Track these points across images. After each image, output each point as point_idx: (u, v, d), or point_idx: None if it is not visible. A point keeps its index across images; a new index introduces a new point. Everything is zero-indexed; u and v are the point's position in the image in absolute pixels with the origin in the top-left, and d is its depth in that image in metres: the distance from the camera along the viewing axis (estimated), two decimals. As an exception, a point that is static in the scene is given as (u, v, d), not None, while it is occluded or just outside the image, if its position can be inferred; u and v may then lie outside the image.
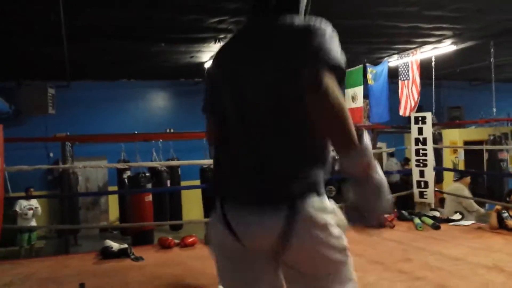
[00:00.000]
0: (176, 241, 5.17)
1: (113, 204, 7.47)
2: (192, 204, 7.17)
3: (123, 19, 5.95)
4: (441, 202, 7.36)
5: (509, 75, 11.27)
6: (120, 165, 6.78)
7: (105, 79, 9.60)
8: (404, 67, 8.12)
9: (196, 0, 5.34)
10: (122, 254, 4.65)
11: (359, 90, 8.19)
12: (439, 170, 7.34)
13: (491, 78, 8.72)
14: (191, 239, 5.18)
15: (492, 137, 9.38)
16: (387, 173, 8.29)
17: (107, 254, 4.65)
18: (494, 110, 8.81)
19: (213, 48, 7.59)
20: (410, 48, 8.20)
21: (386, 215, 3.22)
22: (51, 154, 7.97)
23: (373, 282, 3.62)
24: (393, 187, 7.60)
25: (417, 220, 5.80)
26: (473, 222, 5.97)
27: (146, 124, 9.45)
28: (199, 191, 7.20)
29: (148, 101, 10.42)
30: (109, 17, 5.82)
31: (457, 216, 6.14)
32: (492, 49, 7.98)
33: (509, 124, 10.38)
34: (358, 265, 4.12)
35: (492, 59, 8.18)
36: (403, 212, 6.39)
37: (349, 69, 8.37)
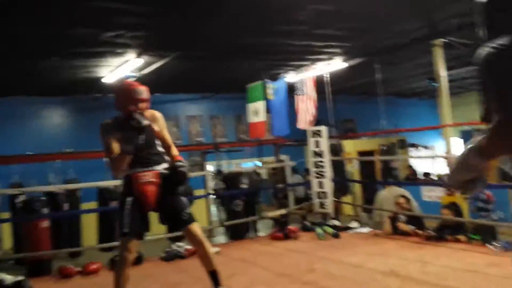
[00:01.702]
0: (78, 269, 4.91)
1: (6, 232, 6.86)
2: (92, 228, 6.82)
3: (16, 35, 5.57)
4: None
5: (395, 89, 12.30)
6: (12, 191, 6.30)
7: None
8: (300, 82, 8.49)
9: (92, 13, 5.15)
10: (17, 287, 4.31)
11: (260, 105, 8.41)
12: (343, 182, 7.74)
13: (378, 92, 9.43)
14: (94, 266, 4.95)
15: (383, 148, 10.15)
16: (292, 185, 8.60)
17: (-1, 289, 4.29)
18: (383, 122, 9.53)
19: (111, 62, 7.36)
20: (305, 65, 8.62)
21: None
22: None
23: (281, 296, 3.72)
24: (300, 201, 7.89)
25: (319, 230, 6.08)
26: (370, 229, 6.39)
27: (43, 143, 8.84)
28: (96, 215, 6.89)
29: (45, 119, 9.78)
30: (1, 32, 5.42)
31: (355, 224, 6.53)
32: (376, 66, 8.66)
33: (396, 135, 11.31)
34: (265, 279, 4.24)
35: (377, 75, 8.87)
36: (306, 222, 6.67)
37: (250, 85, 8.59)
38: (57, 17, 5.16)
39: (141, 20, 5.54)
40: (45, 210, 6.13)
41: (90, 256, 6.14)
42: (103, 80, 8.43)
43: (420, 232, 5.48)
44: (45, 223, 5.85)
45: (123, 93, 3.17)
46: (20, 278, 4.47)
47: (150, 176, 3.15)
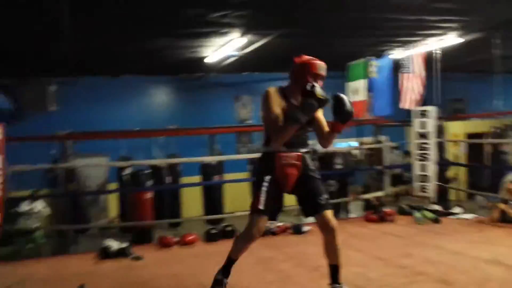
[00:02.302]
0: (176, 239, 5.17)
1: (113, 201, 7.45)
2: (192, 200, 7.15)
3: (125, 16, 5.92)
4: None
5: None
6: (120, 164, 6.78)
7: (108, 74, 9.59)
8: (407, 60, 8.05)
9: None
10: (121, 253, 4.65)
11: (362, 84, 8.13)
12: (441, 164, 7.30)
13: (495, 70, 8.62)
14: (191, 237, 5.18)
15: (495, 130, 9.32)
16: (390, 167, 8.27)
17: (106, 254, 4.65)
18: (498, 102, 8.73)
19: (214, 42, 7.55)
20: (415, 41, 8.12)
21: None
22: (53, 152, 7.96)
23: (374, 277, 3.61)
24: (397, 179, 7.59)
25: (417, 214, 5.78)
26: (475, 215, 5.95)
27: (148, 120, 9.42)
28: (199, 187, 7.20)
29: (151, 97, 10.41)
30: (111, 14, 5.78)
31: (458, 210, 6.12)
32: (495, 41, 7.89)
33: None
34: (359, 261, 4.14)
35: (495, 51, 8.09)
36: (403, 206, 6.38)
37: (351, 63, 8.33)
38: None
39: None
40: (149, 183, 6.57)
41: (189, 227, 6.46)
42: (205, 60, 8.71)
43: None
44: (149, 195, 6.26)
45: (304, 65, 3.03)
46: (124, 244, 4.79)
47: (294, 158, 3.03)
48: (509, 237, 4.70)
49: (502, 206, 5.36)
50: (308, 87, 2.88)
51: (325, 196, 3.07)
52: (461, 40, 7.76)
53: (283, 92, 3.05)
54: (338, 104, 2.95)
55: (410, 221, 5.77)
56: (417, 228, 5.47)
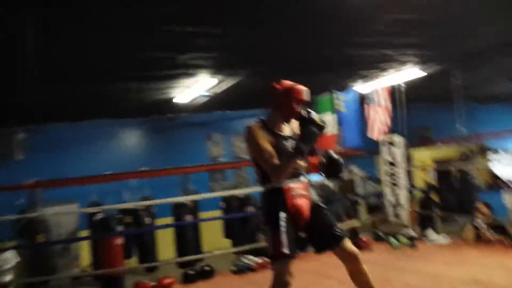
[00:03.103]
0: (152, 283, 5.04)
1: (84, 249, 7.21)
2: (167, 242, 7.00)
3: (93, 60, 5.93)
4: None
5: (474, 94, 11.62)
6: (90, 210, 6.60)
7: (76, 119, 9.47)
8: (372, 92, 8.30)
9: (168, 38, 5.36)
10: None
11: (329, 117, 8.31)
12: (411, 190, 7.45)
13: (455, 98, 8.96)
14: (168, 281, 5.06)
15: (461, 155, 9.60)
16: (363, 196, 8.38)
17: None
18: (461, 129, 9.03)
19: (184, 83, 7.61)
20: (378, 75, 8.39)
21: None
22: (20, 201, 7.74)
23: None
24: (373, 207, 7.61)
25: (393, 240, 5.83)
26: (449, 238, 6.02)
27: (119, 163, 9.30)
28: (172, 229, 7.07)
29: (121, 140, 10.30)
30: (77, 59, 5.79)
31: (432, 233, 6.20)
32: (454, 72, 8.24)
33: (476, 141, 10.66)
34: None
35: (455, 81, 8.44)
36: (379, 233, 6.43)
37: (318, 97, 8.54)
38: (135, 41, 5.41)
39: (215, 41, 5.67)
40: (120, 228, 6.42)
41: (165, 270, 6.29)
42: (175, 101, 8.75)
43: (504, 239, 5.08)
44: (119, 240, 6.09)
45: (288, 91, 2.90)
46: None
47: (302, 188, 2.83)
48: (484, 257, 4.77)
49: (475, 227, 5.47)
50: (305, 114, 2.75)
51: (338, 225, 2.90)
52: (423, 73, 8.08)
53: (265, 125, 2.86)
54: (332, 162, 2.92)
55: (387, 248, 5.80)
56: (394, 254, 5.50)
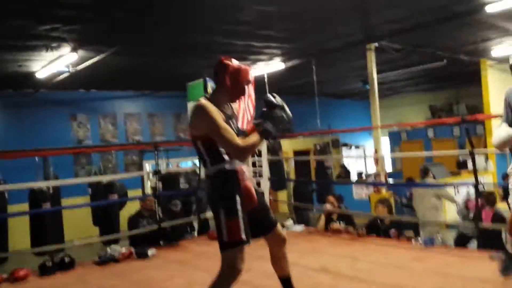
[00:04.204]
0: (3, 275, 4.70)
1: None
2: (21, 231, 6.52)
3: None
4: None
5: (331, 90, 12.71)
6: None
7: None
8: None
9: (27, 5, 4.94)
10: None
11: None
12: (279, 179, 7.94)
13: (314, 93, 9.72)
14: (22, 273, 4.75)
15: (318, 147, 10.47)
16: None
17: None
18: (318, 122, 9.83)
19: (44, 57, 7.09)
20: (245, 65, 8.73)
21: None
22: None
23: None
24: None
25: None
26: (304, 227, 6.58)
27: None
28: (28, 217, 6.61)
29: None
30: None
31: (289, 222, 6.72)
32: (313, 67, 8.92)
33: (330, 135, 11.72)
34: (203, 281, 4.23)
35: (313, 76, 9.14)
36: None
37: (191, 83, 8.56)
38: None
39: (78, 12, 5.37)
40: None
41: (19, 261, 5.89)
42: (36, 75, 8.10)
43: (351, 229, 5.74)
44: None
45: (238, 70, 2.78)
46: None
47: (247, 171, 2.82)
48: (334, 246, 5.31)
49: (326, 216, 6.06)
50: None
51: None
52: (283, 65, 8.59)
53: (213, 103, 2.68)
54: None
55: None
56: (255, 242, 5.83)
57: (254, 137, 2.60)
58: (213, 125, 2.56)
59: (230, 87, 2.75)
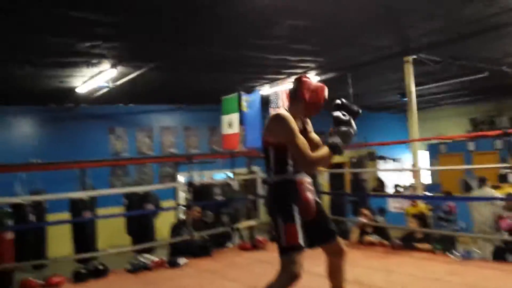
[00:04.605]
0: (40, 282, 4.83)
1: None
2: (60, 239, 6.67)
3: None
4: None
5: (366, 103, 12.54)
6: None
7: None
8: (274, 95, 8.61)
9: (68, 23, 5.13)
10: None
11: (235, 117, 8.48)
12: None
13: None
14: (57, 279, 4.86)
15: (353, 160, 10.33)
16: (263, 196, 8.63)
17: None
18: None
19: (85, 73, 7.33)
20: (280, 78, 8.75)
21: None
22: None
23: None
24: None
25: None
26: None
27: (10, 153, 8.70)
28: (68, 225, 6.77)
29: (14, 128, 9.63)
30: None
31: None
32: (349, 80, 8.82)
33: (366, 147, 11.53)
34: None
35: (349, 89, 9.04)
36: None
37: (225, 97, 8.67)
38: (34, 25, 5.12)
39: (117, 31, 5.55)
40: (10, 222, 6.01)
41: (57, 268, 6.02)
42: (76, 90, 8.39)
43: (385, 242, 5.59)
44: (9, 235, 5.73)
45: (317, 87, 2.98)
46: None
47: (310, 183, 2.95)
48: (368, 259, 5.20)
49: (361, 229, 5.94)
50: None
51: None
52: (318, 78, 8.54)
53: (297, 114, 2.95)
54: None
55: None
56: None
57: (324, 150, 2.76)
58: (291, 134, 2.73)
59: (307, 102, 2.93)
